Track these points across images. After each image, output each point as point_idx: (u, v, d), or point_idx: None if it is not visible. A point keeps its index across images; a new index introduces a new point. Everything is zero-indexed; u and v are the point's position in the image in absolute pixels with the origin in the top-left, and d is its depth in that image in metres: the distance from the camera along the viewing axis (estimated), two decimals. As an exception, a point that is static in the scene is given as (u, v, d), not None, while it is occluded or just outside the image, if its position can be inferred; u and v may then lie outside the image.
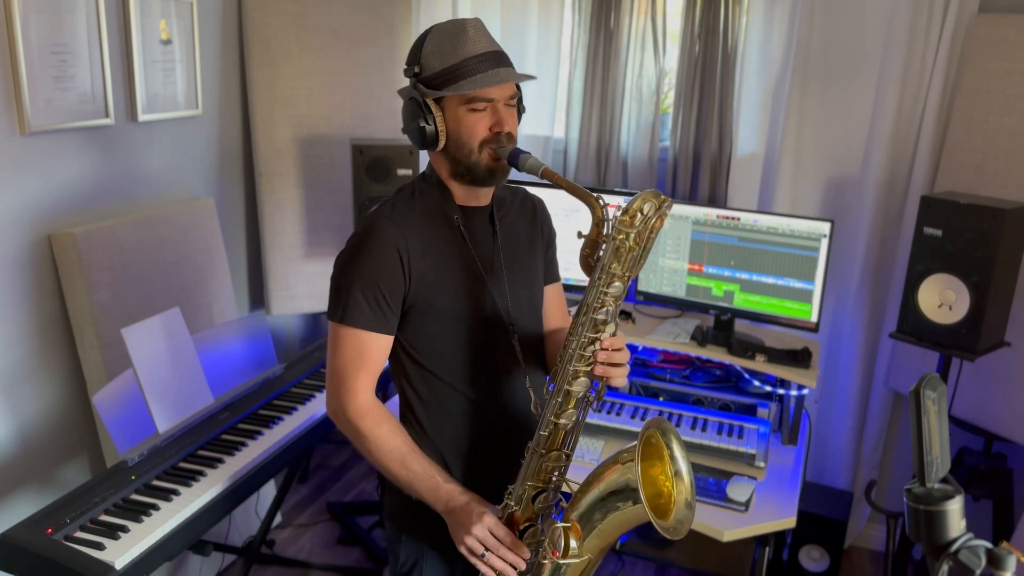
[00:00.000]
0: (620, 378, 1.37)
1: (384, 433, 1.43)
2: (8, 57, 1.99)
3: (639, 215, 1.30)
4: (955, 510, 1.07)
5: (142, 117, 2.45)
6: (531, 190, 1.71)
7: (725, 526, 2.04)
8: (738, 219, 2.49)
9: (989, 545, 1.05)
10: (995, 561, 1.02)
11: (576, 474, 1.43)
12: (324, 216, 3.11)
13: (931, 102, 2.59)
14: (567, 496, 1.40)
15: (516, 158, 1.38)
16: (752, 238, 2.48)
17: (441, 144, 1.43)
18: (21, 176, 2.08)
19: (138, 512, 1.78)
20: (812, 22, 2.68)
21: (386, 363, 1.50)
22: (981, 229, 2.16)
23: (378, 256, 1.40)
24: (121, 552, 1.66)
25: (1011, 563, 1.01)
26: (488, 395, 1.51)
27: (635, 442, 1.29)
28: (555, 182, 1.36)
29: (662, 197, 1.31)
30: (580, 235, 1.36)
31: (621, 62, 2.93)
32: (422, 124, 1.40)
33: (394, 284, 1.40)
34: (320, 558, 2.95)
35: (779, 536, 2.64)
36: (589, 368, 1.35)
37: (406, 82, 1.45)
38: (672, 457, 1.34)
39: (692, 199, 2.95)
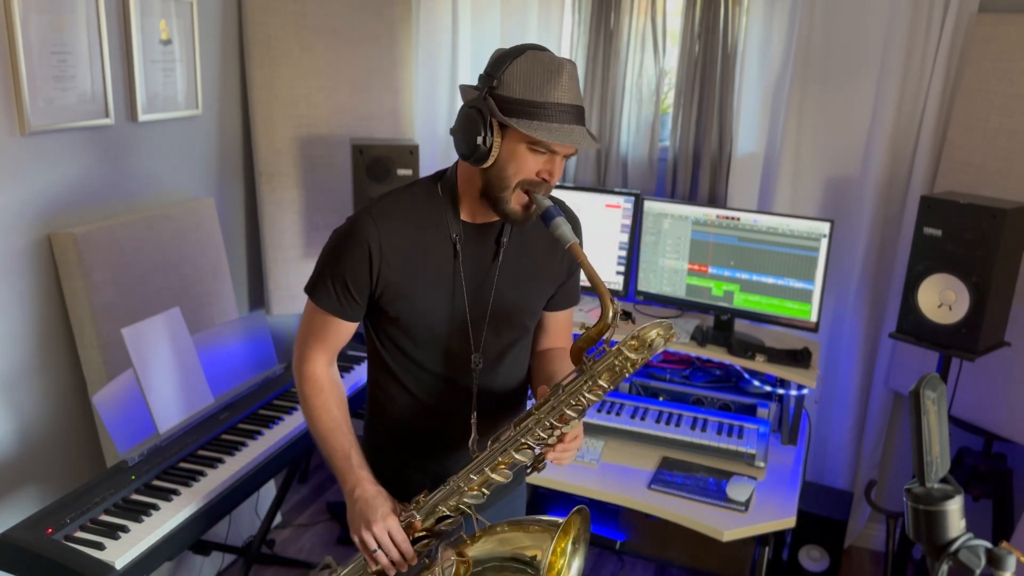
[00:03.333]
0: (567, 462, 1.40)
1: (318, 404, 1.50)
2: (8, 57, 1.99)
3: (648, 343, 1.30)
4: (955, 510, 1.07)
5: (142, 117, 2.45)
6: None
7: (725, 526, 2.04)
8: (738, 219, 2.49)
9: (989, 545, 1.05)
10: (995, 561, 1.02)
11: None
12: (324, 216, 3.11)
13: (931, 102, 2.59)
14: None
15: (551, 218, 1.34)
16: (752, 238, 2.48)
17: (486, 165, 1.36)
18: (21, 176, 2.08)
19: (138, 512, 1.78)
20: (812, 22, 2.68)
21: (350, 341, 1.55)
22: (981, 229, 2.16)
23: (349, 253, 1.41)
24: (121, 552, 1.66)
25: (1011, 563, 1.01)
26: (431, 412, 1.52)
27: (556, 518, 1.32)
28: (579, 262, 1.34)
29: (672, 331, 1.31)
30: (583, 327, 1.33)
31: (621, 62, 2.93)
32: (479, 140, 1.33)
33: (360, 282, 1.42)
34: (320, 558, 2.93)
35: (779, 536, 2.64)
36: (539, 446, 1.36)
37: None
38: (576, 550, 1.37)
39: (692, 199, 2.95)
